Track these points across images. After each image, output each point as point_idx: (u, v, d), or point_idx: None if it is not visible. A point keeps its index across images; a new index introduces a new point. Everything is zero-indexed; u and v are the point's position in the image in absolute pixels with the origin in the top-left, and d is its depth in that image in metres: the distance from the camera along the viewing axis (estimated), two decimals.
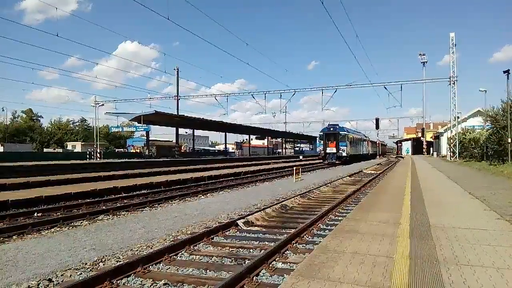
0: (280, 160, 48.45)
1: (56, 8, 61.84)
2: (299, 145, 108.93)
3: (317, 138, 48.67)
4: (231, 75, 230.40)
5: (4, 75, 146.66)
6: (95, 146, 43.23)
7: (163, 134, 72.29)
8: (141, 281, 4.58)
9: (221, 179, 19.03)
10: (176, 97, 46.61)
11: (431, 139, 60.80)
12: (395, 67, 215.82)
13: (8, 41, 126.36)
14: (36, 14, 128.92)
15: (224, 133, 65.49)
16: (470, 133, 35.27)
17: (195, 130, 59.82)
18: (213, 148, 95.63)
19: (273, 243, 6.06)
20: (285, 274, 4.59)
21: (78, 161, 30.71)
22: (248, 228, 7.53)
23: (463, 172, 18.75)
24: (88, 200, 11.38)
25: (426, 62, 49.38)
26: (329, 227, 7.42)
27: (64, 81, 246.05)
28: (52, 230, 7.77)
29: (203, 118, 48.56)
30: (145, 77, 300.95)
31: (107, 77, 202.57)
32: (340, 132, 37.65)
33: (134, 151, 57.74)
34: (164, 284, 4.46)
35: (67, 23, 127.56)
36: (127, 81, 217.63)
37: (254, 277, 4.54)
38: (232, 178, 20.08)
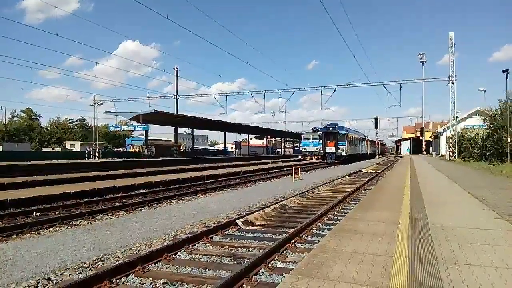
0: (279, 160, 48.41)
1: (56, 7, 61.55)
2: (298, 144, 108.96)
3: (302, 136, 45.08)
4: (231, 75, 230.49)
5: (4, 74, 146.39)
6: (94, 145, 43.16)
7: (162, 133, 72.23)
8: (140, 280, 4.58)
9: (220, 179, 19.01)
10: (175, 96, 46.57)
11: (430, 139, 60.88)
12: (394, 66, 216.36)
13: (8, 40, 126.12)
14: (37, 14, 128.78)
15: (223, 133, 65.51)
16: (468, 133, 35.32)
17: (194, 130, 59.80)
18: (212, 148, 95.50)
19: (272, 242, 6.06)
20: (284, 273, 4.59)
21: (76, 161, 30.66)
22: (247, 228, 7.54)
23: (462, 171, 18.77)
24: (87, 200, 11.36)
25: (426, 61, 49.78)
26: (328, 227, 7.42)
27: (64, 80, 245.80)
28: (51, 229, 7.75)
29: (202, 117, 48.49)
30: (146, 77, 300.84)
31: (107, 77, 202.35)
32: (339, 132, 37.69)
33: (133, 150, 57.51)
34: (163, 283, 4.46)
35: (68, 22, 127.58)
36: (128, 80, 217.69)
37: (253, 276, 4.54)
38: (231, 177, 20.06)
